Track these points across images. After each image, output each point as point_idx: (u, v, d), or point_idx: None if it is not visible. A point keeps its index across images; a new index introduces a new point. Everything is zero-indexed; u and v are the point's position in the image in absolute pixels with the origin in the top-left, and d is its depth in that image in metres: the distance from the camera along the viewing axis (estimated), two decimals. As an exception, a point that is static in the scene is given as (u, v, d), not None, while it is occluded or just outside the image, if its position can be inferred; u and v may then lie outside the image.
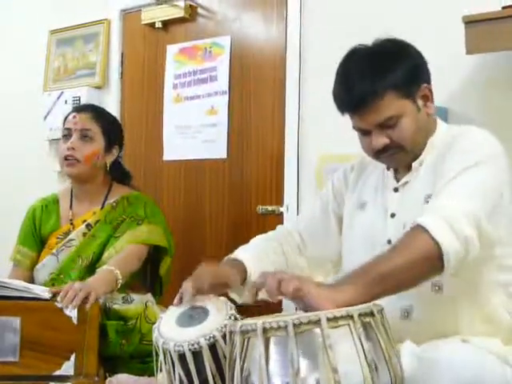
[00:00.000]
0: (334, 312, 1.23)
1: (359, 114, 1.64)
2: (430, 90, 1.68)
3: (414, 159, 1.69)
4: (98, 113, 2.48)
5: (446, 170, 1.56)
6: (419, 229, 1.42)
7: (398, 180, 1.73)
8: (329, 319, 1.22)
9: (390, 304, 1.53)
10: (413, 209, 1.58)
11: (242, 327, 1.29)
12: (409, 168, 1.69)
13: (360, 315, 1.25)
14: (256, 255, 1.76)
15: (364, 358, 1.22)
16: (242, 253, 1.77)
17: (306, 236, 1.89)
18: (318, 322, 1.21)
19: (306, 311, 1.32)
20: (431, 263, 1.41)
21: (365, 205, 1.78)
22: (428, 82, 1.68)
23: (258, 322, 1.25)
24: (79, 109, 2.52)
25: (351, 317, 1.24)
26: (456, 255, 1.40)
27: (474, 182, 1.52)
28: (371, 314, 1.28)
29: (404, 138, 1.63)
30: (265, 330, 1.24)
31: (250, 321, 1.32)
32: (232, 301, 1.60)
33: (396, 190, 1.72)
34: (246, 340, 1.28)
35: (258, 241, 1.88)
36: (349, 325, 1.23)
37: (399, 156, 1.67)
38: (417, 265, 1.40)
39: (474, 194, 1.49)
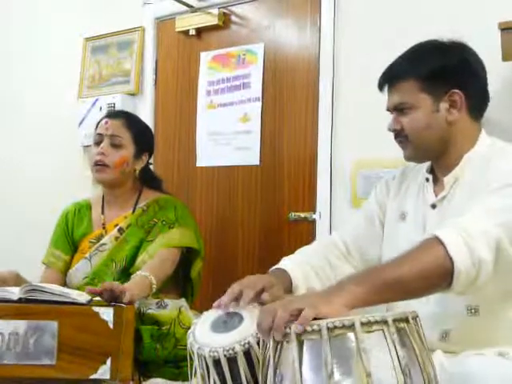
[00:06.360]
0: (369, 316, 1.23)
1: (387, 92, 1.73)
2: (462, 99, 1.64)
3: (446, 171, 1.67)
4: (129, 120, 2.50)
5: (482, 188, 1.53)
6: (434, 240, 1.38)
7: (436, 194, 1.71)
8: (363, 324, 1.21)
9: (428, 326, 1.52)
10: None
11: None
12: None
13: (394, 320, 1.24)
14: (301, 264, 1.77)
15: (398, 364, 1.20)
16: (286, 262, 1.78)
17: (351, 245, 1.89)
18: (351, 327, 1.21)
19: None
20: (440, 277, 1.36)
21: (405, 216, 1.77)
22: (465, 89, 1.65)
23: (292, 325, 1.25)
24: (111, 115, 2.53)
25: (385, 322, 1.23)
26: (467, 274, 1.35)
27: (504, 203, 1.45)
28: (406, 320, 1.26)
29: (410, 130, 1.68)
30: (298, 333, 1.24)
31: None
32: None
33: (433, 206, 1.69)
34: (279, 343, 1.28)
35: (302, 251, 1.88)
36: (383, 330, 1.22)
37: (405, 146, 1.72)
38: (425, 276, 1.35)
39: (501, 214, 1.43)
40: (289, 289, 1.69)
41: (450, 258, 1.34)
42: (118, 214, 2.46)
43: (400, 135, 1.71)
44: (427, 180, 1.75)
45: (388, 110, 1.76)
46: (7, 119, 4.12)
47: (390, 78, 1.72)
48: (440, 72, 1.63)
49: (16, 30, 4.15)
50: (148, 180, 2.56)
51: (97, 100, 3.62)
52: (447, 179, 1.67)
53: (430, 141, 1.67)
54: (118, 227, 2.41)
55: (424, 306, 1.48)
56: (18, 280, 2.20)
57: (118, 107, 3.44)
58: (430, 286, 1.38)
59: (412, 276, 1.34)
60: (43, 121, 3.92)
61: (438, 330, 1.60)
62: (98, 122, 2.49)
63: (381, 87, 1.76)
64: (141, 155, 2.48)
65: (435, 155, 1.71)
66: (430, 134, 1.66)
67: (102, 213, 2.49)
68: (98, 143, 2.43)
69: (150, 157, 2.55)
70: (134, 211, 2.44)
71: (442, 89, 1.64)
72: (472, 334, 1.57)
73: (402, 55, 1.73)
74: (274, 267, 1.77)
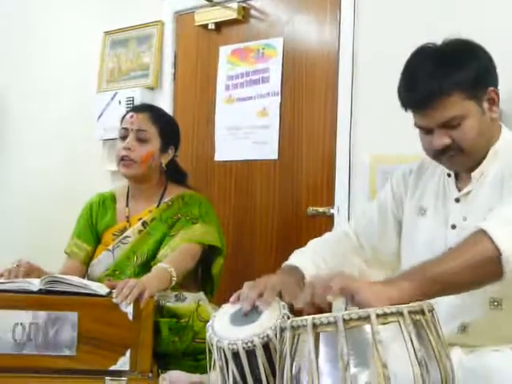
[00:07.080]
0: (384, 308, 1.23)
1: (423, 111, 1.61)
2: (497, 94, 1.63)
3: (474, 166, 1.65)
4: (155, 113, 2.50)
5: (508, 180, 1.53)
6: (481, 233, 1.38)
7: (459, 189, 1.70)
8: (378, 315, 1.22)
9: (448, 318, 1.52)
10: (475, 221, 1.49)
11: (293, 323, 1.30)
12: (470, 176, 1.66)
13: (410, 312, 1.24)
14: (312, 258, 1.76)
15: (414, 356, 1.21)
16: (297, 258, 1.77)
17: (362, 238, 1.88)
18: (367, 318, 1.22)
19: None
20: (490, 268, 1.36)
21: (425, 211, 1.75)
22: (495, 85, 1.64)
23: (308, 317, 1.26)
24: (137, 109, 2.55)
25: (401, 314, 1.23)
26: None
27: None
28: (422, 312, 1.27)
29: (465, 140, 1.60)
30: (315, 326, 1.25)
31: (300, 317, 1.32)
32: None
33: (457, 200, 1.69)
34: (296, 336, 1.29)
35: (313, 244, 1.87)
36: (398, 322, 1.23)
37: (458, 158, 1.63)
38: (475, 269, 1.36)
39: None
40: (302, 285, 1.66)
41: (498, 248, 1.35)
42: (142, 208, 2.47)
43: (450, 150, 1.62)
44: (449, 175, 1.74)
45: (422, 128, 1.66)
46: (25, 113, 4.15)
47: (429, 97, 1.58)
48: (477, 76, 1.59)
49: (36, 23, 4.17)
50: (174, 174, 2.56)
51: (116, 94, 3.63)
52: (474, 174, 1.65)
53: (483, 144, 1.64)
54: (141, 221, 2.42)
55: (445, 298, 1.47)
56: (39, 274, 2.22)
57: (137, 101, 3.45)
58: (479, 279, 1.39)
59: (461, 269, 1.35)
60: (62, 114, 3.93)
61: (458, 323, 1.60)
62: (124, 116, 2.50)
63: (411, 108, 1.66)
64: (167, 149, 2.49)
65: (482, 157, 1.66)
66: (483, 137, 1.62)
67: (127, 205, 2.50)
68: (123, 137, 2.43)
69: (176, 150, 2.55)
70: (158, 205, 2.45)
71: (481, 90, 1.61)
72: (492, 328, 1.57)
73: (427, 70, 1.60)
74: (285, 263, 1.77)
